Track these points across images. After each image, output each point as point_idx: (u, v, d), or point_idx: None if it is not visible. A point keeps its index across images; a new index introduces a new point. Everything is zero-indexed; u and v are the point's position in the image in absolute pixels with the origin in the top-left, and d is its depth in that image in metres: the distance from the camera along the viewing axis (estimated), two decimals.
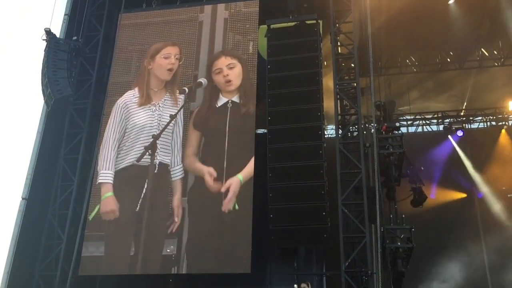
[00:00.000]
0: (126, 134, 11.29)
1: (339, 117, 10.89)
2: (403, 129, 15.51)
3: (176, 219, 10.49)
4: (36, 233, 11.14)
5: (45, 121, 11.84)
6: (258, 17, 11.67)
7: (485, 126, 16.38)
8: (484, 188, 14.74)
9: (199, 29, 12.02)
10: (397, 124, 12.16)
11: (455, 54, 15.09)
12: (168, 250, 10.37)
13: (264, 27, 11.40)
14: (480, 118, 16.34)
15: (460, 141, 15.46)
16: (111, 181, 10.99)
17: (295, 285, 9.62)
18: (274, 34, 11.14)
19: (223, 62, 11.43)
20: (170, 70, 11.66)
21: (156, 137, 10.93)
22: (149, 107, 11.42)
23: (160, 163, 10.86)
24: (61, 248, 10.93)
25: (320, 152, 10.02)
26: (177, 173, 10.87)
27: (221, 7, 12.05)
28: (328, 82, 11.29)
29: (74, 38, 12.34)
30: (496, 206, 14.36)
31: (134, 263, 10.35)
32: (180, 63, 11.72)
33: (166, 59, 11.75)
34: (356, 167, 10.16)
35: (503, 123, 16.07)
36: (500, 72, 14.98)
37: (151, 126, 11.17)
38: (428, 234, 13.37)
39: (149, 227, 10.48)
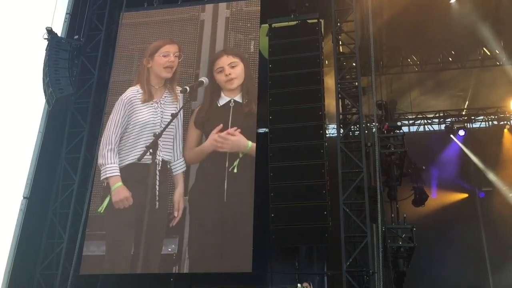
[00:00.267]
0: (128, 130, 11.27)
1: (341, 116, 10.88)
2: (405, 129, 15.47)
3: (175, 214, 10.47)
4: (37, 232, 11.15)
5: (47, 120, 11.84)
6: (259, 16, 11.66)
7: (487, 125, 16.34)
8: (499, 186, 14.65)
9: (200, 28, 12.01)
10: (399, 124, 12.17)
11: (456, 53, 15.06)
12: (169, 249, 10.36)
13: (265, 26, 11.40)
14: (482, 117, 16.29)
15: (462, 141, 15.42)
16: (118, 174, 10.95)
17: (299, 285, 9.62)
18: (275, 33, 11.15)
19: (225, 60, 11.42)
20: (169, 68, 11.66)
21: (157, 136, 10.92)
22: (152, 104, 11.42)
23: (163, 160, 10.85)
24: (62, 247, 10.93)
25: (322, 151, 10.02)
26: (178, 167, 10.84)
27: (222, 6, 12.05)
28: (330, 81, 11.28)
29: (76, 37, 12.35)
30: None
31: (135, 262, 10.35)
32: (180, 60, 11.71)
33: (165, 57, 11.75)
34: (357, 166, 10.15)
35: (505, 122, 16.02)
36: (501, 71, 14.94)
37: (154, 123, 11.17)
38: (429, 234, 13.37)
39: (151, 226, 10.47)
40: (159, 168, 10.79)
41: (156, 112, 11.28)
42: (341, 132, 10.70)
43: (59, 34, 12.10)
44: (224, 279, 10.47)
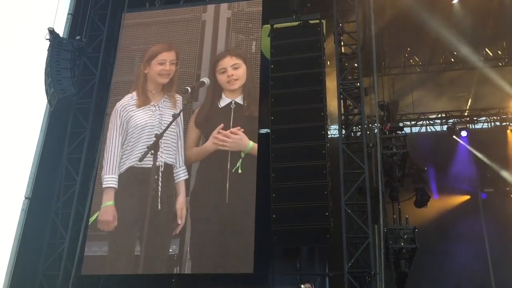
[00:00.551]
0: (128, 136, 11.28)
1: (342, 117, 10.87)
2: (407, 129, 15.43)
3: (179, 221, 10.46)
4: (39, 232, 11.16)
5: (48, 121, 11.86)
6: (261, 17, 11.65)
7: (489, 126, 16.30)
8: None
9: (202, 28, 12.01)
10: (401, 124, 12.13)
11: (459, 54, 15.03)
12: (171, 250, 10.37)
13: (267, 26, 11.39)
14: (484, 118, 16.26)
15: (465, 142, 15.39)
16: (115, 186, 10.98)
17: (302, 286, 9.62)
18: (277, 34, 11.15)
19: (228, 62, 11.41)
20: (165, 75, 11.65)
21: (158, 137, 10.93)
22: (149, 107, 11.43)
23: (165, 163, 10.84)
24: (64, 247, 10.94)
25: (323, 152, 10.01)
26: (180, 174, 10.84)
27: (224, 6, 12.04)
28: (331, 82, 11.26)
29: (78, 37, 12.33)
30: None
31: (136, 263, 10.36)
32: (177, 67, 11.69)
33: (161, 65, 11.74)
34: (359, 167, 10.13)
35: (508, 123, 15.99)
36: (504, 72, 14.91)
37: (152, 126, 11.16)
38: (431, 235, 13.34)
39: (152, 228, 10.47)
40: (162, 169, 10.77)
41: (154, 114, 11.28)
42: (343, 132, 10.69)
43: (61, 35, 12.08)
44: (226, 280, 10.47)
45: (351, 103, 11.02)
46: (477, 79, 15.13)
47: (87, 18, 12.67)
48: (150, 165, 10.79)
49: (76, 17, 12.68)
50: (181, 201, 10.61)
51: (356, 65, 11.07)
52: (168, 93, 11.51)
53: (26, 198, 11.20)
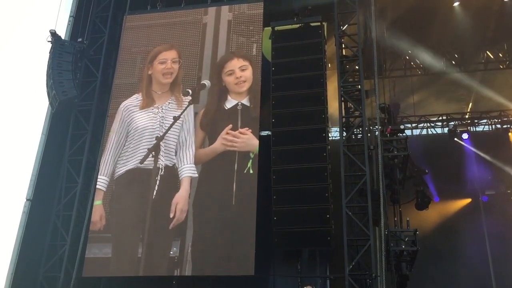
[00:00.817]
0: (128, 137, 11.30)
1: (343, 119, 10.86)
2: (408, 132, 15.45)
3: (171, 215, 10.44)
4: (40, 234, 11.16)
5: (50, 123, 11.86)
6: (262, 19, 11.67)
7: (490, 129, 16.31)
8: None
9: (203, 31, 12.03)
10: (402, 127, 12.11)
11: (460, 57, 15.03)
12: (171, 252, 10.36)
13: (268, 29, 11.40)
14: (485, 121, 16.25)
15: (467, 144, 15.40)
16: (103, 188, 11.04)
17: None
18: (278, 36, 11.15)
19: (235, 63, 11.40)
20: (168, 74, 11.66)
21: (159, 139, 10.94)
22: (152, 109, 11.43)
23: (166, 166, 10.85)
24: (65, 249, 10.95)
25: (324, 154, 10.00)
26: (185, 170, 10.77)
27: (225, 9, 12.07)
28: (332, 84, 11.27)
29: (79, 40, 12.38)
30: None
31: (137, 265, 10.35)
32: (179, 65, 11.71)
33: (162, 64, 11.76)
34: (360, 169, 10.13)
35: (508, 126, 15.99)
36: (505, 75, 14.92)
37: (153, 128, 11.17)
38: (432, 237, 13.34)
39: (154, 230, 10.48)
40: (162, 173, 10.78)
41: (155, 117, 11.28)
42: (344, 135, 10.69)
43: (62, 37, 12.13)
44: (226, 282, 10.46)
45: (352, 106, 11.01)
46: (478, 81, 15.14)
47: (88, 21, 12.68)
48: (151, 167, 10.80)
49: (78, 19, 12.70)
50: (178, 196, 10.56)
51: (357, 67, 11.08)
52: (177, 94, 11.48)
53: (27, 200, 11.20)
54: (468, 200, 14.85)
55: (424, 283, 12.59)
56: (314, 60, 10.72)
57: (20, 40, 14.69)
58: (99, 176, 11.15)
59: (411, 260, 9.97)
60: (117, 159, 11.21)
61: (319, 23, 11.06)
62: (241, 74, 11.25)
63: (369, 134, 11.20)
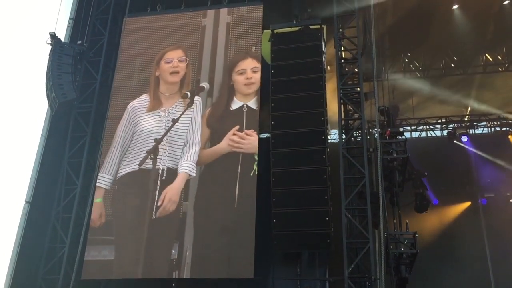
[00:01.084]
0: (133, 139, 11.32)
1: (343, 121, 10.87)
2: (407, 134, 15.45)
3: (159, 203, 10.46)
4: (39, 236, 11.15)
5: (49, 125, 11.87)
6: (261, 22, 11.70)
7: (489, 131, 16.32)
8: None
9: (201, 33, 12.06)
10: (401, 129, 12.13)
11: (459, 59, 15.06)
12: (170, 255, 10.35)
13: (268, 31, 11.42)
14: (484, 123, 16.27)
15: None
16: (105, 186, 11.09)
17: None
18: (277, 39, 11.18)
19: (249, 63, 11.40)
20: (175, 73, 11.68)
21: (158, 141, 10.95)
22: (158, 112, 11.44)
23: (168, 169, 10.84)
24: (64, 251, 10.94)
25: (324, 157, 10.01)
26: (184, 166, 10.77)
27: (224, 11, 12.10)
28: (332, 86, 11.28)
29: (79, 42, 12.39)
30: None
31: (136, 267, 10.35)
32: (187, 64, 11.72)
33: (168, 64, 11.80)
34: (359, 172, 10.13)
35: (508, 128, 16.00)
36: (504, 77, 14.94)
37: (158, 132, 11.18)
38: (431, 240, 13.34)
39: (152, 232, 10.47)
40: (164, 177, 10.76)
41: (161, 121, 11.29)
42: (343, 137, 10.69)
43: (62, 39, 12.14)
44: (226, 284, 10.45)
45: (352, 108, 11.03)
46: (477, 84, 15.16)
47: (88, 23, 12.70)
48: (150, 168, 10.82)
49: (78, 21, 12.72)
50: (170, 187, 10.58)
51: (356, 70, 11.09)
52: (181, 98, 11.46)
53: (26, 202, 11.19)
54: (467, 203, 14.86)
55: (423, 285, 12.58)
56: (313, 63, 10.74)
57: (20, 43, 14.72)
58: (101, 174, 11.17)
59: (411, 263, 9.96)
60: (122, 159, 11.21)
61: (318, 26, 11.08)
62: (252, 75, 11.25)
63: (368, 137, 11.20)
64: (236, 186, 10.43)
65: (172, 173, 10.82)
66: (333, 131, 14.64)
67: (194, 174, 10.75)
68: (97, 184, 11.15)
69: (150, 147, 11.02)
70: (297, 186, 9.94)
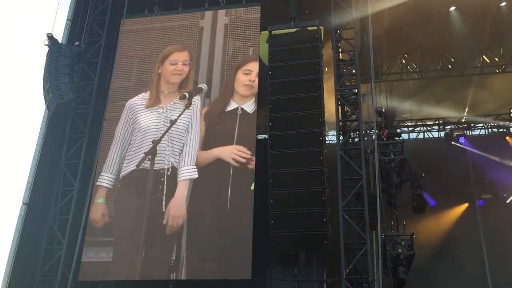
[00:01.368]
0: (133, 137, 11.31)
1: (340, 123, 10.88)
2: (404, 136, 15.49)
3: (164, 222, 10.41)
4: (36, 238, 11.13)
5: (47, 126, 11.84)
6: (259, 23, 11.70)
7: (486, 132, 16.38)
8: None
9: (199, 35, 12.05)
10: (398, 131, 12.16)
11: (456, 61, 15.10)
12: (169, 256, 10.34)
13: (265, 33, 11.42)
14: (481, 124, 16.32)
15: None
16: (107, 185, 11.04)
17: None
18: (275, 40, 11.17)
19: (257, 66, 11.37)
20: (177, 75, 11.68)
21: (156, 143, 10.93)
22: (156, 109, 11.43)
23: (173, 167, 10.81)
24: (61, 253, 10.91)
25: (321, 158, 10.01)
26: (186, 173, 10.74)
27: (221, 13, 12.10)
28: (329, 88, 11.30)
29: (76, 43, 12.37)
30: None
31: (134, 268, 10.33)
32: (190, 68, 11.72)
33: (173, 66, 11.79)
34: (357, 173, 10.14)
35: (505, 130, 16.06)
36: (501, 79, 14.99)
37: (157, 129, 11.16)
38: (429, 241, 13.36)
39: (150, 233, 10.46)
40: (169, 173, 10.71)
41: (159, 117, 11.28)
42: (340, 139, 10.70)
43: (59, 40, 12.12)
44: (223, 286, 10.44)
45: (349, 109, 11.04)
46: (474, 85, 15.20)
47: (86, 24, 12.70)
48: (148, 168, 10.79)
49: (75, 23, 12.70)
50: (172, 202, 10.49)
51: (354, 71, 11.11)
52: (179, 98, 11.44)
53: (23, 203, 11.16)
54: (465, 205, 14.90)
55: (421, 286, 12.60)
56: (311, 64, 10.75)
57: (17, 44, 14.69)
58: (103, 174, 11.12)
59: (408, 264, 9.99)
60: (123, 157, 11.19)
61: (316, 27, 11.09)
62: (255, 79, 11.23)
63: (366, 138, 11.23)
64: (229, 188, 10.40)
65: (175, 171, 10.76)
66: (330, 133, 14.66)
67: (197, 175, 10.70)
68: (100, 183, 11.07)
69: (149, 144, 10.99)
70: (294, 187, 9.94)
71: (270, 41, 11.21)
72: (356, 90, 10.90)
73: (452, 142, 15.52)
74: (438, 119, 16.53)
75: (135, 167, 10.94)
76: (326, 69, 12.33)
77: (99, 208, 10.90)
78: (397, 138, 10.83)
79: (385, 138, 10.66)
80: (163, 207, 10.56)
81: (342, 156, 10.38)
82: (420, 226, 12.55)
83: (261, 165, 10.47)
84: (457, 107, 16.16)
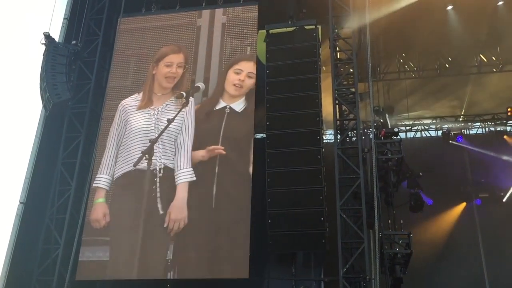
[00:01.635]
0: (124, 138, 11.29)
1: (338, 122, 10.88)
2: (402, 135, 15.49)
3: (164, 225, 10.38)
4: (33, 237, 11.11)
5: (44, 125, 11.83)
6: (257, 22, 11.69)
7: (484, 132, 16.40)
8: None
9: (197, 34, 12.04)
10: (396, 130, 12.16)
11: (453, 60, 15.10)
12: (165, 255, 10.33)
13: (263, 32, 11.42)
14: (478, 123, 16.35)
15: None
16: (105, 187, 11.01)
17: None
18: (273, 39, 11.17)
19: (248, 66, 11.35)
20: (170, 78, 11.65)
21: (153, 142, 10.91)
22: (148, 111, 11.41)
23: (165, 167, 10.81)
24: (59, 252, 10.89)
25: (319, 157, 10.01)
26: (182, 176, 10.72)
27: (219, 12, 12.09)
28: (327, 87, 11.30)
29: (73, 42, 12.35)
30: None
31: (131, 268, 10.32)
32: (184, 70, 11.70)
33: (168, 68, 11.76)
34: (354, 172, 10.14)
35: (502, 128, 16.08)
36: (498, 78, 15.01)
37: (148, 130, 11.14)
38: (426, 240, 13.37)
39: (147, 233, 10.44)
40: (160, 174, 10.72)
41: (150, 119, 11.26)
42: (338, 138, 10.70)
43: (56, 39, 12.10)
44: (221, 285, 10.44)
45: (347, 108, 11.04)
46: (472, 84, 15.21)
47: (83, 23, 12.67)
48: (145, 169, 10.76)
49: (72, 21, 12.68)
50: (172, 205, 10.46)
51: (351, 70, 11.10)
52: (175, 97, 11.41)
53: (20, 203, 11.16)
54: (462, 203, 14.91)
55: (418, 285, 12.61)
56: (308, 63, 10.75)
57: (14, 43, 14.65)
58: (100, 175, 11.10)
59: (405, 263, 9.99)
60: (117, 158, 11.17)
61: (313, 26, 11.09)
62: (244, 79, 11.23)
63: (363, 137, 11.22)
64: (214, 186, 10.40)
65: (167, 171, 10.76)
66: (328, 132, 14.67)
67: (195, 178, 10.67)
68: (97, 185, 11.05)
69: (140, 145, 10.96)
70: (292, 187, 9.94)
71: (267, 40, 11.21)
72: (354, 89, 10.89)
73: (450, 141, 15.55)
74: (435, 118, 16.54)
75: (130, 168, 10.89)
76: (324, 68, 12.34)
77: (100, 208, 10.86)
78: (395, 137, 10.82)
79: (382, 137, 10.65)
80: (159, 208, 10.55)
81: (340, 155, 10.37)
82: (417, 225, 12.54)
83: (258, 164, 10.47)
84: (455, 106, 16.18)
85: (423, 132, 16.67)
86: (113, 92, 11.98)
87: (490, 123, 16.28)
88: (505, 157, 14.75)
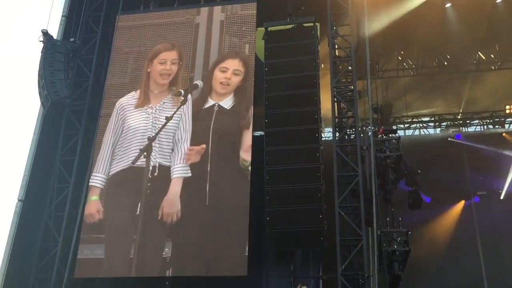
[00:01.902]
0: (121, 137, 11.29)
1: (336, 119, 10.88)
2: (400, 132, 15.49)
3: (158, 218, 10.39)
4: (32, 235, 11.11)
5: (42, 123, 11.81)
6: (255, 20, 11.68)
7: (482, 129, 16.42)
8: None
9: (195, 31, 12.03)
10: (394, 127, 12.16)
11: (452, 58, 15.10)
12: (163, 253, 10.33)
13: (261, 29, 11.40)
14: (477, 121, 16.36)
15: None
16: (100, 185, 11.04)
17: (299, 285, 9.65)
18: (271, 37, 11.15)
19: (234, 64, 11.39)
20: (165, 75, 11.65)
21: (151, 139, 10.91)
22: (145, 109, 11.41)
23: (160, 165, 10.81)
24: (57, 250, 10.91)
25: (317, 154, 10.01)
26: (179, 171, 10.73)
27: (217, 9, 12.08)
28: (325, 84, 11.29)
29: (71, 39, 12.32)
30: None
31: (130, 265, 10.33)
32: (179, 67, 11.69)
33: (162, 65, 11.77)
34: (353, 169, 10.15)
35: (500, 126, 16.10)
36: (497, 76, 15.02)
37: (145, 129, 11.15)
38: (424, 237, 13.40)
39: (145, 230, 10.45)
40: (156, 173, 10.73)
41: (148, 117, 11.27)
42: (336, 135, 10.70)
43: (55, 37, 12.08)
44: (219, 282, 10.45)
45: (345, 106, 11.03)
46: (470, 82, 15.22)
47: (81, 20, 12.64)
48: (143, 166, 10.78)
49: (70, 19, 12.65)
50: (165, 199, 10.50)
51: (350, 68, 11.10)
52: (172, 93, 11.43)
53: (19, 200, 11.15)
54: (460, 201, 14.94)
55: (416, 282, 12.64)
56: (307, 61, 10.73)
57: (12, 40, 14.63)
58: (95, 174, 11.11)
59: (403, 260, 10.01)
60: (113, 157, 11.17)
61: (312, 24, 11.06)
62: (231, 76, 11.27)
63: (362, 135, 11.23)
64: (207, 184, 10.43)
65: (163, 169, 10.78)
66: (326, 129, 14.67)
67: (190, 174, 10.70)
68: (92, 183, 11.08)
69: (138, 144, 10.97)
70: (290, 184, 9.93)
71: (266, 37, 11.19)
72: (352, 87, 10.89)
73: (448, 139, 15.56)
74: (434, 115, 16.55)
75: (126, 165, 10.89)
76: (322, 66, 12.33)
77: (93, 205, 10.91)
78: (393, 135, 10.82)
79: (381, 135, 10.66)
80: (155, 205, 10.55)
81: (338, 152, 10.38)
82: (415, 222, 12.55)
83: (257, 162, 10.47)
84: (453, 103, 16.19)
85: (421, 129, 16.67)
86: (111, 89, 11.97)
87: (488, 121, 16.30)
88: (505, 152, 14.77)
